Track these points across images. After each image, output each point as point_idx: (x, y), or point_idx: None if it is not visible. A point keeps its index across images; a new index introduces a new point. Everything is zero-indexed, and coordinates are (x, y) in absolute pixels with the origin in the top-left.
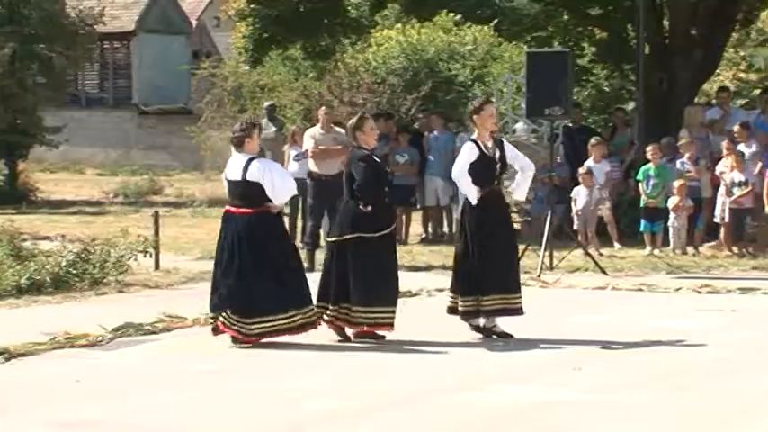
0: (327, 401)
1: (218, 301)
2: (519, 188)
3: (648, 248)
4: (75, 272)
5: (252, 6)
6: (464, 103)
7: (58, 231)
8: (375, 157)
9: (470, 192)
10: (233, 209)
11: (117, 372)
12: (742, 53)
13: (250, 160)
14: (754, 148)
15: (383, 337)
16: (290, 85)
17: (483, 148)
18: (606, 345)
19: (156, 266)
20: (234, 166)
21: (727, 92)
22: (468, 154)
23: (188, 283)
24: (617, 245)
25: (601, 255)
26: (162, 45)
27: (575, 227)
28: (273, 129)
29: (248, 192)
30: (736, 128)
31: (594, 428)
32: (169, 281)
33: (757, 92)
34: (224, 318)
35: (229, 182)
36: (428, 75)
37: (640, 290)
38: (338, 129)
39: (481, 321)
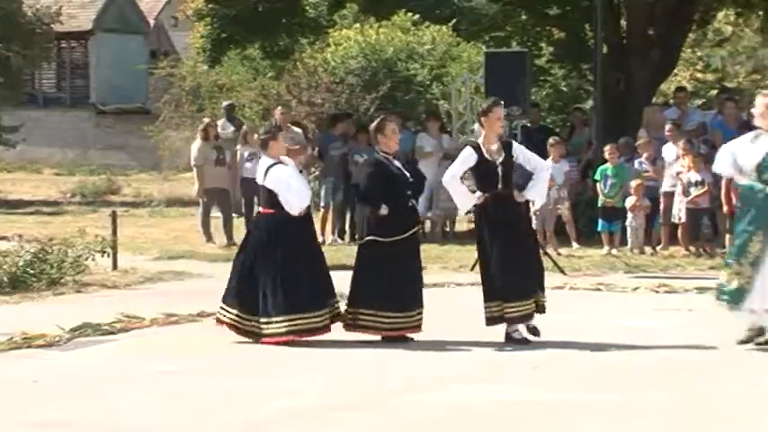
0: (286, 401)
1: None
2: (533, 189)
3: (606, 248)
4: (32, 272)
5: (210, 6)
6: (423, 102)
7: (15, 231)
8: (391, 162)
9: (459, 198)
10: (261, 209)
11: (75, 372)
12: (699, 53)
13: (271, 166)
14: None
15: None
16: (248, 85)
17: (484, 153)
18: (565, 344)
19: (114, 266)
20: (260, 168)
21: (685, 92)
22: (463, 160)
23: (146, 284)
24: (575, 244)
25: (559, 254)
26: (119, 44)
27: (533, 226)
28: (232, 128)
29: (268, 195)
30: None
31: (554, 428)
32: (127, 281)
33: (714, 92)
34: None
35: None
36: (387, 74)
37: (598, 289)
38: (295, 129)
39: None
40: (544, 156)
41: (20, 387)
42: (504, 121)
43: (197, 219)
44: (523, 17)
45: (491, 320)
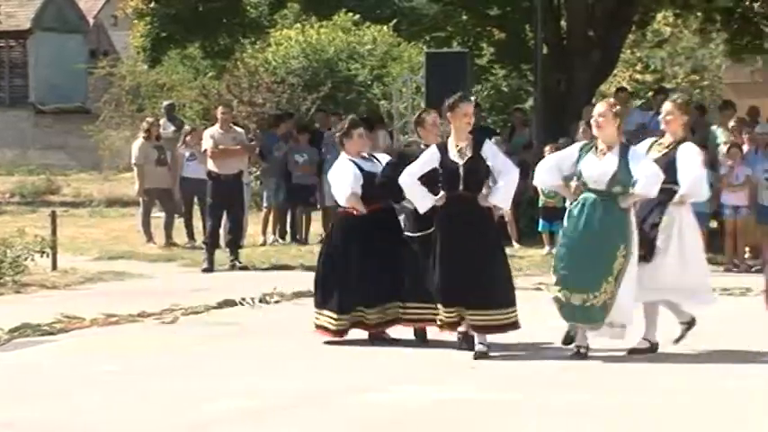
0: (229, 402)
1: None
2: (496, 194)
3: (547, 248)
4: None
5: (150, 5)
6: (364, 102)
7: None
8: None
9: (416, 199)
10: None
11: (14, 373)
12: (638, 54)
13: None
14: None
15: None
16: (188, 85)
17: (449, 153)
18: (505, 346)
19: (54, 267)
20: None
21: (625, 92)
22: (425, 161)
23: (86, 284)
24: (516, 244)
25: None
26: (58, 43)
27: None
28: (172, 128)
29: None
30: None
31: (495, 427)
32: (67, 281)
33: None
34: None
35: None
36: (328, 74)
37: (539, 289)
38: (237, 128)
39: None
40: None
41: None
42: (446, 122)
43: (137, 219)
44: (464, 17)
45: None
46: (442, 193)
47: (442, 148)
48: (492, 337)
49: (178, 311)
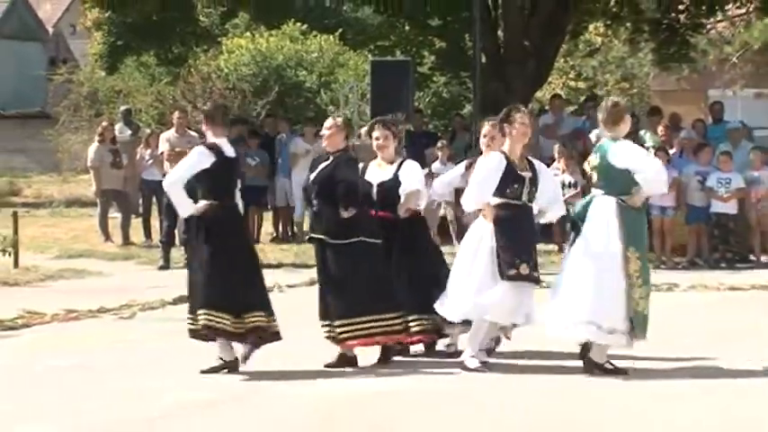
0: (183, 395)
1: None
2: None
3: None
4: None
5: (107, 15)
6: (312, 108)
7: None
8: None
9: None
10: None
11: None
12: (571, 63)
13: None
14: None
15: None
16: (144, 91)
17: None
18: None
19: (16, 264)
20: None
21: (559, 99)
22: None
23: (47, 281)
24: (456, 242)
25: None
26: (19, 51)
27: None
28: (129, 132)
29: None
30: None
31: (429, 418)
32: (28, 278)
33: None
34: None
35: None
36: (277, 81)
37: None
38: (191, 132)
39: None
40: (425, 159)
41: None
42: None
43: (95, 219)
44: (406, 28)
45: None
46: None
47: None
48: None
49: (136, 307)
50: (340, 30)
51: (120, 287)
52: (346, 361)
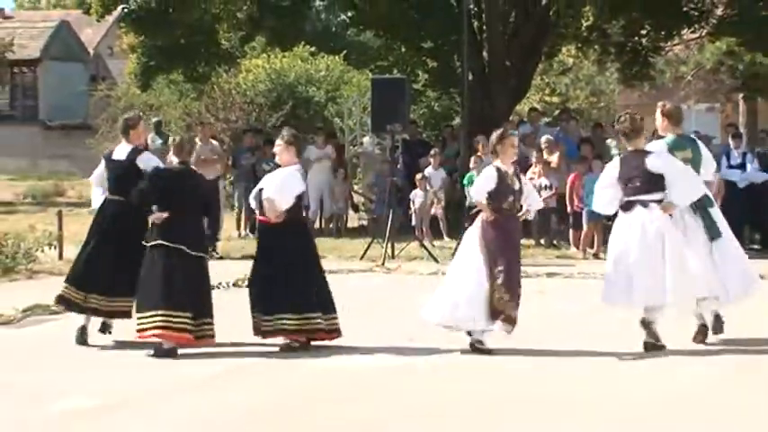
0: (72, 400)
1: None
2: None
3: None
4: None
5: (140, 39)
6: (320, 120)
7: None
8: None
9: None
10: None
11: (25, 344)
12: (547, 80)
13: None
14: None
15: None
16: (173, 105)
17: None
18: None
19: (60, 257)
20: None
21: (536, 112)
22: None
23: None
24: (446, 238)
25: (433, 246)
26: (63, 70)
27: (413, 223)
28: (160, 141)
29: None
30: (543, 140)
31: (414, 390)
32: None
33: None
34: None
35: None
36: (289, 96)
37: None
38: (213, 141)
39: None
40: (419, 165)
41: None
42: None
43: None
44: (403, 50)
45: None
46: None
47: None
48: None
49: None
50: (344, 51)
51: None
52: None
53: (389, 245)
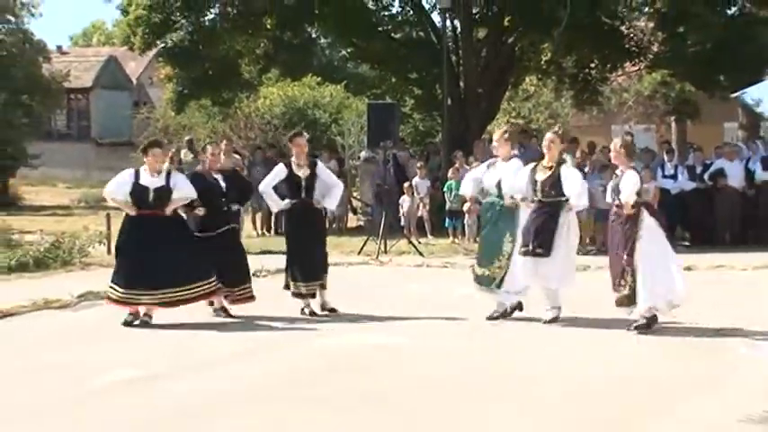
0: (120, 372)
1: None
2: (328, 199)
3: (451, 238)
4: (50, 256)
5: (175, 71)
6: (325, 138)
7: (38, 227)
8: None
9: (271, 203)
10: None
11: (80, 326)
12: (512, 105)
13: None
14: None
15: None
16: (202, 125)
17: (293, 169)
18: (420, 308)
19: (108, 252)
20: None
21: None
22: (275, 174)
23: None
24: (430, 236)
25: (419, 243)
26: (111, 96)
27: (402, 224)
28: (191, 155)
29: None
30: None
31: (408, 365)
32: None
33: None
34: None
35: None
36: (299, 118)
37: (446, 267)
38: (236, 156)
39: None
40: (406, 175)
41: (39, 335)
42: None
43: None
44: (393, 80)
45: (295, 295)
46: (287, 200)
47: (288, 166)
48: (413, 300)
49: None
50: (345, 81)
51: None
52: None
53: (382, 242)
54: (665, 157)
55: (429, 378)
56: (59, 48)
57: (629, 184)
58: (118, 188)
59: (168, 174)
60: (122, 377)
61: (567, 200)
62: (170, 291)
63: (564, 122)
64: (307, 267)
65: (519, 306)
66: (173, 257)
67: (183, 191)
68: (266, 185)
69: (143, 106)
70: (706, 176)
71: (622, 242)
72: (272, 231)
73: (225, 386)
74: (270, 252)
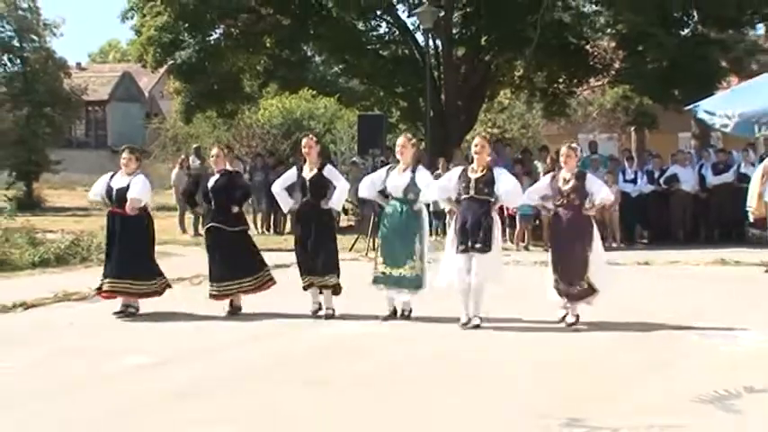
0: (131, 358)
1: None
2: (332, 200)
3: (433, 237)
4: (70, 252)
5: (184, 85)
6: (319, 146)
7: (59, 227)
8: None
9: (282, 202)
10: None
11: (97, 315)
12: (489, 116)
13: None
14: None
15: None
16: (208, 134)
17: (303, 172)
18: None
19: None
20: None
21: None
22: (286, 178)
23: None
24: None
25: None
26: (126, 108)
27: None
28: (198, 162)
29: None
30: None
31: (391, 348)
32: None
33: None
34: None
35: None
36: (296, 128)
37: (429, 262)
38: (238, 161)
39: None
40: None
41: (60, 326)
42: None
43: (176, 218)
44: (381, 93)
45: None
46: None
47: (300, 169)
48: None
49: (202, 277)
50: (337, 94)
51: (192, 264)
52: (235, 309)
53: (371, 240)
54: (626, 164)
55: (413, 359)
56: (79, 64)
57: (601, 185)
58: (96, 188)
59: (134, 176)
60: (133, 362)
61: (497, 199)
62: (119, 281)
63: (535, 132)
64: (303, 264)
65: (397, 311)
66: (124, 252)
67: (133, 192)
68: (278, 186)
69: (154, 117)
70: (662, 181)
71: (580, 239)
72: (272, 230)
73: (234, 366)
74: (270, 250)
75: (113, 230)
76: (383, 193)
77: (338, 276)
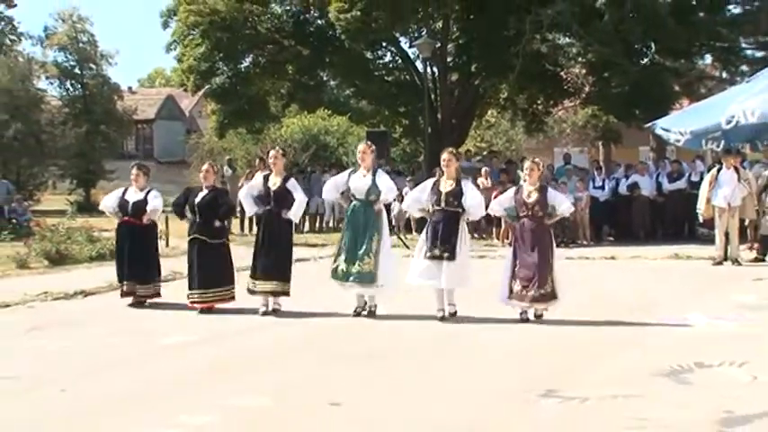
0: (174, 337)
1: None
2: (292, 211)
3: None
4: None
5: (218, 106)
6: (334, 158)
7: (113, 226)
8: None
9: (248, 208)
10: None
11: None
12: (478, 132)
13: None
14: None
15: None
16: (239, 148)
17: (269, 182)
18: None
19: (167, 245)
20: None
21: (470, 152)
22: (250, 187)
23: (183, 255)
24: (415, 233)
25: (407, 238)
26: (169, 126)
27: (392, 224)
28: (231, 171)
29: None
30: (483, 171)
31: (385, 333)
32: (174, 253)
33: (485, 153)
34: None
35: None
36: (313, 142)
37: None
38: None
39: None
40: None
41: (118, 311)
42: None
43: None
44: (386, 112)
45: (250, 291)
46: (261, 207)
47: (266, 179)
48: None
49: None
50: (349, 113)
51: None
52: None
53: (401, 234)
54: (595, 173)
55: (405, 341)
56: (130, 88)
57: (563, 198)
58: (108, 201)
59: (148, 191)
60: (176, 341)
61: (465, 210)
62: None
63: (517, 145)
64: (257, 267)
65: (369, 308)
66: (136, 256)
67: (153, 204)
68: (244, 191)
69: (193, 133)
70: (625, 187)
71: (547, 246)
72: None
73: (252, 346)
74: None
75: (122, 237)
76: (345, 195)
77: (288, 282)
